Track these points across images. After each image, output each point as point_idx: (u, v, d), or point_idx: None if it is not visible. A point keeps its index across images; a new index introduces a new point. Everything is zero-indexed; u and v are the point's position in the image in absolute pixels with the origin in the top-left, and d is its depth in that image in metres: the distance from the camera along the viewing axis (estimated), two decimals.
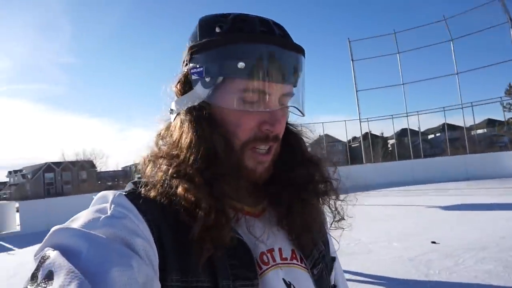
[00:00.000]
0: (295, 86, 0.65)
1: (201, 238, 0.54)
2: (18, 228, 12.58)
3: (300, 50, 0.64)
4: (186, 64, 0.64)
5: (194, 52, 0.63)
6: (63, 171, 59.63)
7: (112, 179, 57.11)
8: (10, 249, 9.47)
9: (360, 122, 21.14)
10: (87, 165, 56.83)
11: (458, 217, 7.38)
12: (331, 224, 0.74)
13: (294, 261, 0.65)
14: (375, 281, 4.24)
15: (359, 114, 21.22)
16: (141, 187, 0.59)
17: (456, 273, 4.14)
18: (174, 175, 0.58)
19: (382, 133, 42.14)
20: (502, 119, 34.90)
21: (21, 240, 10.45)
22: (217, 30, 0.62)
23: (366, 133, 22.57)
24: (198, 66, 0.62)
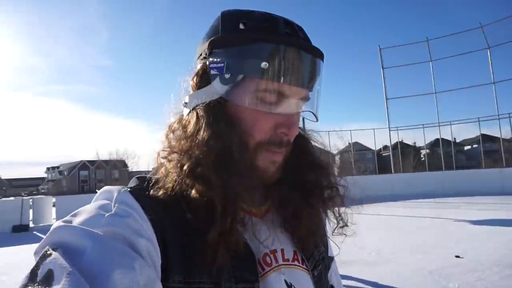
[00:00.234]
0: (311, 90, 0.64)
1: (216, 243, 0.53)
2: (54, 221, 13.19)
3: (321, 55, 0.63)
4: (204, 58, 0.62)
5: (215, 46, 0.60)
6: (97, 169, 61.90)
7: None
8: None
9: (390, 130, 20.73)
10: (120, 164, 58.68)
11: (487, 232, 7.13)
12: (334, 230, 0.74)
13: (296, 263, 0.65)
14: None
15: (388, 122, 20.82)
16: (152, 184, 0.58)
17: None
18: (189, 174, 0.57)
19: (415, 143, 40.93)
20: None
21: None
22: (241, 26, 0.61)
23: (398, 142, 22.10)
24: (218, 61, 0.60)
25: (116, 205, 0.52)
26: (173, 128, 0.65)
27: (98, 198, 0.55)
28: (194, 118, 0.61)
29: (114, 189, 0.56)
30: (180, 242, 0.54)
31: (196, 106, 0.62)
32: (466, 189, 14.60)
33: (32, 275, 0.41)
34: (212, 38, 0.61)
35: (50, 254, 0.42)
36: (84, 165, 62.31)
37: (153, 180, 0.59)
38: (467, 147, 49.21)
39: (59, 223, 0.48)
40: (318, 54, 0.62)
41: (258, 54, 0.58)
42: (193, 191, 0.56)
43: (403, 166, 23.15)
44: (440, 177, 16.64)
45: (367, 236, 7.36)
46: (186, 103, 0.64)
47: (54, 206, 13.93)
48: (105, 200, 0.54)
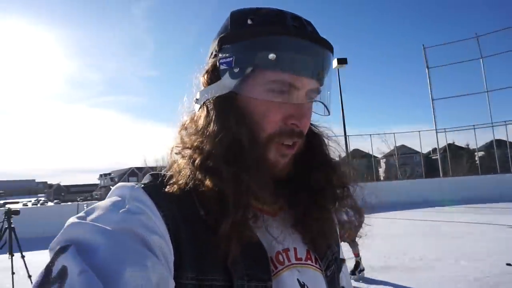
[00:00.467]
0: (321, 84, 0.64)
1: (228, 235, 0.54)
2: None
3: (329, 47, 0.63)
4: (215, 56, 0.63)
5: (224, 42, 0.61)
6: (145, 175, 64.66)
7: None
8: None
9: (437, 132, 19.78)
10: None
11: None
12: (348, 231, 0.84)
13: (309, 262, 0.65)
14: None
15: (435, 124, 19.88)
16: (166, 180, 0.59)
17: None
18: (200, 168, 0.57)
19: (468, 145, 38.56)
20: None
21: None
22: (249, 22, 0.61)
23: (449, 144, 20.99)
24: (227, 56, 0.60)
25: (129, 201, 0.52)
26: (185, 125, 0.65)
27: (112, 195, 0.55)
28: (205, 113, 0.62)
29: (128, 185, 0.56)
30: (193, 239, 0.53)
31: (206, 100, 0.63)
32: None
33: (47, 272, 0.42)
34: (221, 35, 0.62)
35: (65, 251, 0.43)
36: (133, 172, 65.33)
37: (167, 177, 0.59)
38: None
39: (74, 219, 0.49)
40: (326, 46, 0.62)
41: (265, 46, 0.58)
42: (205, 184, 0.56)
43: (455, 169, 21.94)
44: (494, 181, 15.61)
45: (410, 241, 7.14)
46: (197, 99, 0.66)
47: None
48: (119, 196, 0.54)
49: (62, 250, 0.44)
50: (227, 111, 0.60)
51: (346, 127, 17.43)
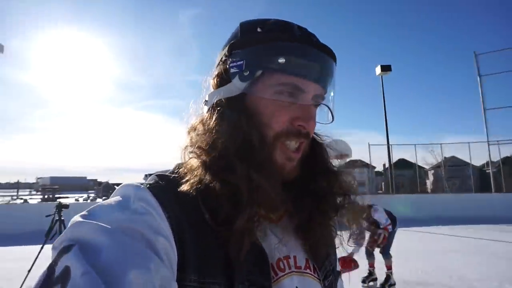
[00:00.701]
0: (326, 91, 0.67)
1: (243, 230, 0.55)
2: None
3: (334, 56, 0.66)
4: (224, 60, 0.66)
5: (235, 47, 0.64)
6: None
7: None
8: None
9: (489, 145, 18.54)
10: None
11: None
12: (349, 239, 0.74)
13: (308, 271, 0.65)
14: None
15: (487, 135, 18.65)
16: (172, 181, 0.59)
17: None
18: (214, 166, 0.58)
19: None
20: None
21: None
22: (258, 30, 0.65)
23: (506, 157, 19.56)
24: (238, 60, 0.63)
25: (135, 201, 0.52)
26: (195, 126, 0.66)
27: (117, 194, 0.55)
28: (215, 114, 0.64)
29: (133, 185, 0.56)
30: (197, 241, 0.53)
31: (217, 101, 0.65)
32: None
33: (50, 271, 0.41)
34: (232, 41, 0.65)
35: (68, 250, 0.43)
36: None
37: (174, 177, 0.60)
38: None
39: (78, 218, 0.48)
40: (331, 54, 0.65)
41: (275, 50, 0.61)
42: (218, 182, 0.57)
43: (510, 185, 20.41)
44: None
45: (452, 258, 6.79)
46: (206, 101, 0.68)
47: None
48: (124, 196, 0.54)
49: (65, 249, 0.43)
50: (237, 112, 0.62)
51: (389, 135, 16.89)
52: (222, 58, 0.67)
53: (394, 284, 5.04)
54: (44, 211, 5.48)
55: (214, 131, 0.61)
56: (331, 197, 0.70)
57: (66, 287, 0.40)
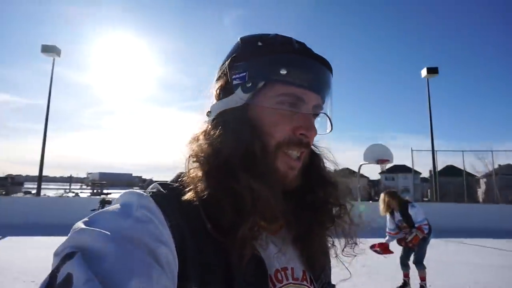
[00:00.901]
0: (323, 101, 0.69)
1: (245, 238, 0.56)
2: None
3: (331, 68, 0.68)
4: (226, 73, 0.67)
5: (237, 60, 0.66)
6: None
7: None
8: None
9: None
10: None
11: None
12: (343, 249, 0.74)
13: (304, 283, 0.66)
14: None
15: None
16: (174, 190, 0.60)
17: None
18: (217, 175, 0.59)
19: None
20: None
21: None
22: (259, 44, 0.67)
23: None
24: (240, 72, 0.65)
25: (137, 209, 0.52)
26: (197, 136, 0.68)
27: (120, 201, 0.55)
28: (218, 125, 0.65)
29: (136, 193, 0.56)
30: (198, 250, 0.54)
31: (219, 112, 0.67)
32: None
33: (52, 278, 0.41)
34: (234, 54, 0.68)
35: (71, 257, 0.43)
36: None
37: (176, 186, 0.62)
38: None
39: (81, 225, 0.48)
40: (328, 66, 0.68)
41: (277, 62, 0.63)
42: (220, 191, 0.58)
43: None
44: None
45: (494, 273, 6.38)
46: (209, 112, 0.69)
47: None
48: (126, 203, 0.54)
49: (68, 256, 0.43)
50: (240, 122, 0.64)
51: (436, 141, 16.16)
52: (224, 70, 0.68)
53: None
54: (92, 205, 5.90)
55: (217, 141, 0.62)
56: (328, 208, 0.71)
57: None
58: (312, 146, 0.73)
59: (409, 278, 5.10)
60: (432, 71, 15.25)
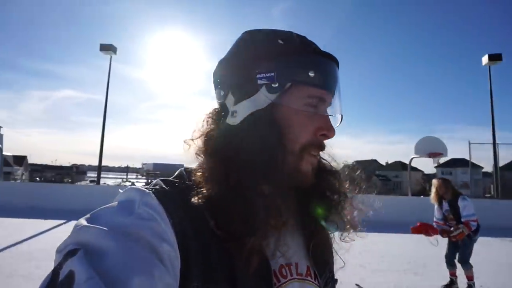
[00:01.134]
0: (333, 97, 0.69)
1: (253, 249, 0.56)
2: None
3: (339, 66, 0.69)
4: (248, 70, 0.64)
5: (261, 58, 0.64)
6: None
7: None
8: None
9: None
10: None
11: None
12: (342, 234, 0.74)
13: (308, 278, 0.66)
14: None
15: None
16: (178, 187, 0.59)
17: None
18: (230, 180, 0.58)
19: None
20: None
21: None
22: (280, 42, 0.65)
23: None
24: (266, 71, 0.63)
25: (140, 206, 0.51)
26: (211, 134, 0.66)
27: (122, 198, 0.54)
28: (244, 125, 0.63)
29: (138, 189, 0.55)
30: (201, 248, 0.53)
31: (247, 114, 0.63)
32: None
33: (54, 275, 0.41)
34: (256, 52, 0.65)
35: (73, 254, 0.43)
36: None
37: (179, 182, 0.61)
38: None
39: (83, 222, 0.48)
40: (338, 65, 0.69)
41: (305, 64, 0.63)
42: (231, 193, 0.58)
43: None
44: None
45: None
46: (234, 111, 0.64)
47: None
48: (128, 200, 0.53)
49: (70, 253, 0.43)
50: (268, 124, 0.62)
51: (498, 133, 15.00)
52: (243, 67, 0.65)
53: None
54: None
55: (240, 142, 0.61)
56: (330, 198, 0.71)
57: None
58: None
59: (456, 277, 4.87)
60: (494, 57, 14.12)
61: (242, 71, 0.65)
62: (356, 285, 4.79)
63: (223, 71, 0.68)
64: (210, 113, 0.70)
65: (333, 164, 0.74)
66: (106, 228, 0.46)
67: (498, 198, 14.34)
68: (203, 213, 0.57)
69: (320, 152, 0.71)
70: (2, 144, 19.53)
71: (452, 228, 4.65)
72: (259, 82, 0.63)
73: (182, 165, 0.68)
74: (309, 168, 0.65)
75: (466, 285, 4.72)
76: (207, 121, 0.69)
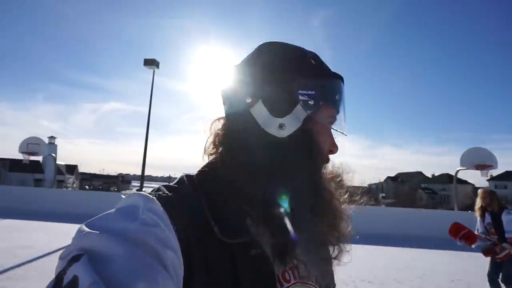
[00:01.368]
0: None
1: (255, 256, 0.58)
2: None
3: None
4: (287, 84, 0.65)
5: (303, 75, 0.66)
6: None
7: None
8: None
9: None
10: None
11: None
12: (334, 255, 0.73)
13: (310, 282, 0.67)
14: None
15: None
16: (181, 193, 0.59)
17: None
18: (247, 184, 0.61)
19: None
20: None
21: None
22: (313, 62, 0.70)
23: None
24: (307, 89, 0.66)
25: (143, 212, 0.51)
26: (248, 146, 0.65)
27: (126, 203, 0.54)
28: (291, 139, 0.65)
29: (142, 195, 0.55)
30: (204, 254, 0.53)
31: (296, 128, 0.65)
32: None
33: (58, 280, 0.42)
34: (292, 66, 0.67)
35: (77, 260, 0.43)
36: None
37: (182, 188, 0.61)
38: None
39: (87, 227, 0.48)
40: None
41: (334, 87, 0.70)
42: (241, 200, 0.61)
43: None
44: None
45: None
46: (282, 124, 0.64)
47: None
48: (132, 205, 0.53)
49: (74, 259, 0.43)
50: (310, 140, 0.66)
51: None
52: (281, 80, 0.65)
53: None
54: None
55: (283, 155, 0.64)
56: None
57: None
58: None
59: None
60: None
61: (279, 83, 0.65)
62: None
63: (250, 78, 0.67)
64: (228, 119, 0.71)
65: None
66: (110, 234, 0.47)
67: None
68: (207, 220, 0.57)
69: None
70: (56, 154, 20.91)
71: (496, 247, 4.36)
72: (301, 98, 0.65)
73: None
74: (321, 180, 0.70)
75: None
76: (228, 128, 0.70)
